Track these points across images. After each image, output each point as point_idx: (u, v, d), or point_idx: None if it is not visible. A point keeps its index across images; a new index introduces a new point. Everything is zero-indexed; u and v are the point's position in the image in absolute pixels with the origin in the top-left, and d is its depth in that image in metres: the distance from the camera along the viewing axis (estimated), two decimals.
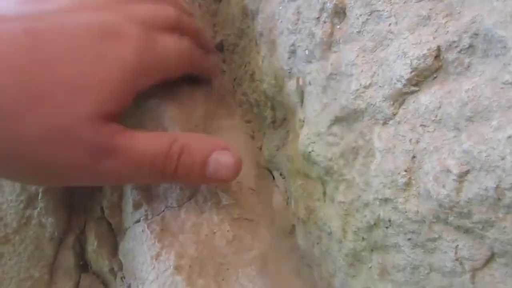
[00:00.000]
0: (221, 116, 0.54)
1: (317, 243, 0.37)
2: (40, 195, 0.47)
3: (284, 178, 0.46)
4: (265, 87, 0.44)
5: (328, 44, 0.33)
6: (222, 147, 0.36)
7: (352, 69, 0.30)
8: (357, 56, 0.30)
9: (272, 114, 0.45)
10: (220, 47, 0.60)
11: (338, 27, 0.32)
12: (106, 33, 0.33)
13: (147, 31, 0.37)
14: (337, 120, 0.32)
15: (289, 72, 0.38)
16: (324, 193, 0.36)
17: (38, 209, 0.47)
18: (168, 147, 0.34)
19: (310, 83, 0.34)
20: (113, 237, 0.48)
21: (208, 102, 0.53)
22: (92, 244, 0.47)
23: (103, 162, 0.32)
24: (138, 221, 0.43)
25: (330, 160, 0.33)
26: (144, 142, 0.34)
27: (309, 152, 0.35)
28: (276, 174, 0.47)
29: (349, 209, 0.32)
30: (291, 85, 0.38)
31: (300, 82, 0.36)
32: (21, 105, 0.28)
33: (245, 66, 0.53)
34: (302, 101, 0.37)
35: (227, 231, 0.43)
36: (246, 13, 0.50)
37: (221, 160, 0.36)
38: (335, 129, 0.32)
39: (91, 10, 0.34)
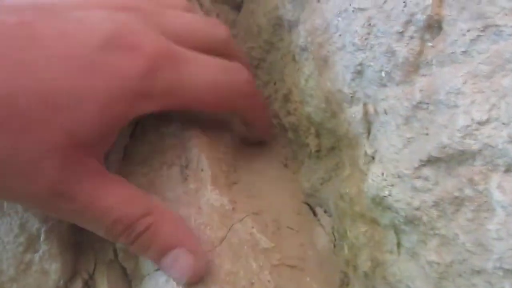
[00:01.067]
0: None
1: None
2: (42, 235, 0.39)
3: (330, 216, 0.39)
4: (310, 111, 0.37)
5: (415, 66, 0.26)
6: (191, 247, 0.31)
7: (457, 99, 0.23)
8: (465, 82, 0.23)
9: (317, 142, 0.38)
10: None
11: (430, 44, 0.25)
12: (114, 42, 0.28)
13: (176, 47, 0.31)
14: (431, 161, 0.25)
15: (351, 97, 0.31)
16: (399, 245, 0.29)
17: (40, 252, 0.39)
18: (136, 219, 0.29)
19: (386, 112, 0.27)
20: (128, 285, 0.40)
21: (234, 124, 0.46)
22: None
23: (59, 204, 0.28)
24: None
25: (417, 209, 0.26)
26: (112, 200, 0.29)
27: (384, 196, 0.28)
28: (319, 211, 0.40)
29: (446, 273, 0.25)
30: (354, 112, 0.31)
31: (370, 110, 0.29)
32: None
33: (275, 83, 0.46)
34: (368, 132, 0.30)
35: (268, 281, 0.35)
36: (279, 24, 0.43)
37: (180, 260, 0.30)
38: (427, 171, 0.25)
39: (111, 10, 0.29)
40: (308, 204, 0.41)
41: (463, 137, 0.23)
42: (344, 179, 0.34)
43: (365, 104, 0.30)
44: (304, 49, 0.38)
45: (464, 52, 0.24)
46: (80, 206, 0.28)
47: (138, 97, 0.29)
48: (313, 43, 0.36)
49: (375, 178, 0.28)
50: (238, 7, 0.53)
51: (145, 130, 0.43)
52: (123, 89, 0.28)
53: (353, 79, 0.30)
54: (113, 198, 0.29)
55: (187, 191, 0.39)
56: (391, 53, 0.27)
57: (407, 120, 0.26)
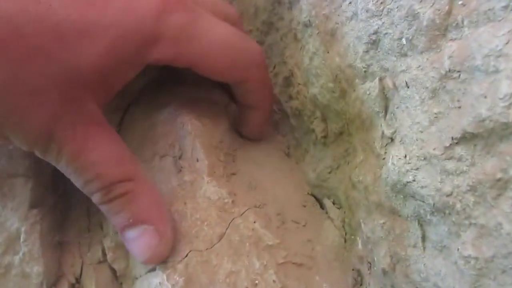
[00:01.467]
0: None
1: None
2: (22, 236, 0.35)
3: (339, 208, 0.35)
4: (315, 92, 0.33)
5: (443, 29, 0.22)
6: (161, 227, 0.29)
7: (498, 63, 0.20)
8: (507, 42, 0.19)
9: (323, 127, 0.35)
10: None
11: (460, 2, 0.22)
12: None
13: (193, 2, 0.31)
14: (465, 139, 0.21)
15: (365, 71, 0.27)
16: (424, 238, 0.25)
17: (20, 254, 0.35)
18: (116, 181, 0.28)
19: (407, 85, 0.24)
20: None
21: (231, 113, 0.42)
22: None
23: (48, 146, 0.27)
24: (154, 269, 0.32)
25: (449, 195, 0.22)
26: (99, 154, 0.28)
27: (408, 182, 0.24)
28: (327, 202, 0.36)
29: (486, 269, 0.21)
30: (368, 89, 0.27)
31: (388, 84, 0.25)
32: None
33: (274, 67, 0.42)
34: (386, 110, 0.26)
35: (273, 281, 0.32)
36: (279, 1, 0.39)
37: (145, 237, 0.29)
38: (460, 151, 0.21)
39: None
40: (314, 196, 0.38)
41: (508, 107, 0.19)
42: (356, 166, 0.30)
43: (381, 79, 0.26)
44: (307, 25, 0.34)
45: (505, 7, 0.20)
46: (67, 154, 0.27)
47: (149, 39, 0.28)
48: (318, 16, 0.32)
49: (396, 162, 0.25)
50: None
51: (134, 118, 0.39)
52: (135, 27, 0.27)
53: (366, 51, 0.27)
54: (101, 153, 0.28)
55: (182, 184, 0.35)
56: (413, 16, 0.23)
57: (434, 93, 0.23)
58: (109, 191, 0.28)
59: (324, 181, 0.35)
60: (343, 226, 0.34)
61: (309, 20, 0.33)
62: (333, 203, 0.35)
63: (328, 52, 0.31)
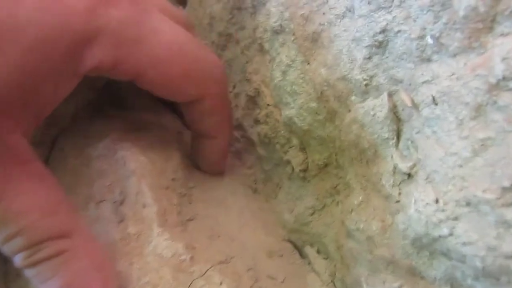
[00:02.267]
0: None
1: None
2: None
3: (326, 258, 0.27)
4: (291, 115, 0.26)
5: (489, 19, 0.15)
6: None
7: None
8: None
9: (302, 158, 0.27)
10: None
11: None
12: None
13: None
14: None
15: (367, 84, 0.20)
16: None
17: None
18: (48, 237, 0.21)
19: (435, 101, 0.17)
20: None
21: (182, 140, 0.34)
22: None
23: None
24: None
25: (507, 256, 0.15)
26: (24, 203, 0.21)
27: (440, 236, 0.17)
28: (310, 251, 0.28)
29: None
30: (372, 108, 0.19)
31: (404, 100, 0.18)
32: None
33: (234, 87, 0.35)
34: (398, 136, 0.19)
35: None
36: (239, 7, 0.32)
37: None
38: None
39: None
40: (292, 242, 0.30)
41: None
42: (352, 209, 0.23)
43: (391, 94, 0.19)
44: (278, 31, 0.27)
45: None
46: None
47: (81, 38, 0.21)
48: (294, 18, 0.25)
49: (423, 209, 0.17)
50: (182, 1, 0.42)
51: (63, 154, 0.31)
52: (62, 24, 0.21)
53: (369, 57, 0.19)
54: (26, 200, 0.21)
55: (126, 237, 0.27)
56: (442, 4, 0.16)
57: (479, 111, 0.16)
58: (37, 251, 0.21)
59: (305, 225, 0.28)
60: (332, 282, 0.26)
61: (280, 25, 0.26)
62: (318, 252, 0.28)
63: (308, 63, 0.24)
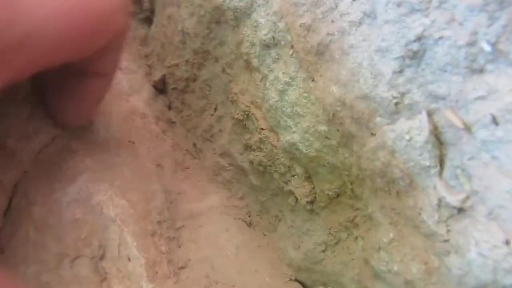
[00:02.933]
0: (190, 195, 0.31)
1: None
2: None
3: None
4: (294, 140, 0.22)
5: None
6: None
7: None
8: None
9: (309, 189, 0.24)
10: (160, 86, 0.38)
11: None
12: None
13: None
14: None
15: (397, 103, 0.16)
16: None
17: None
18: None
19: (495, 121, 0.13)
20: None
21: (163, 173, 0.30)
22: None
23: None
24: None
25: None
26: None
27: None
28: None
29: None
30: (408, 131, 0.16)
31: (451, 119, 0.15)
32: None
33: (216, 109, 0.31)
34: (441, 163, 0.16)
35: None
36: (218, 20, 0.28)
37: None
38: None
39: None
40: (301, 282, 0.26)
41: None
42: (379, 246, 0.20)
43: (430, 113, 0.15)
44: (270, 44, 0.23)
45: None
46: None
47: None
48: (293, 28, 0.21)
49: (489, 252, 0.14)
50: (147, 19, 0.38)
51: (27, 202, 0.26)
52: None
53: (400, 71, 0.16)
54: None
55: None
56: (499, 3, 0.13)
57: None
58: None
59: (316, 264, 0.24)
60: None
61: (272, 38, 0.23)
62: None
63: (313, 80, 0.21)
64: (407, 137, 0.16)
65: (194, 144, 0.34)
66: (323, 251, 0.24)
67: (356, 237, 0.22)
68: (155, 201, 0.26)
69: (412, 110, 0.16)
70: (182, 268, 0.26)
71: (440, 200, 0.16)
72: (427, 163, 0.16)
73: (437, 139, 0.16)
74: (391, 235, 0.19)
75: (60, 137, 0.28)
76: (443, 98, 0.15)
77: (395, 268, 0.19)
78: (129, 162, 0.28)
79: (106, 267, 0.23)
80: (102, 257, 0.23)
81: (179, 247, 0.27)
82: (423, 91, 0.16)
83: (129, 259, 0.23)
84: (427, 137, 0.16)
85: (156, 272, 0.23)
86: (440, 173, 0.16)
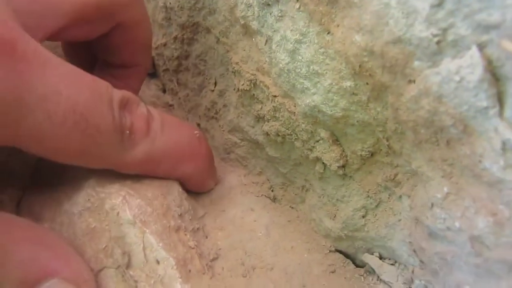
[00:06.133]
0: None
1: None
2: None
3: (394, 264, 0.22)
4: (315, 103, 0.20)
5: None
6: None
7: None
8: None
9: (339, 152, 0.22)
10: (150, 70, 0.35)
11: None
12: None
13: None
14: None
15: (439, 42, 0.14)
16: None
17: None
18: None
19: None
20: None
21: None
22: None
23: None
24: None
25: None
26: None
27: None
28: (371, 258, 0.23)
29: None
30: (457, 71, 0.14)
31: (510, 49, 0.13)
32: None
33: (215, 84, 0.29)
34: (500, 101, 0.14)
35: None
36: None
37: None
38: None
39: None
40: (343, 252, 0.25)
41: None
42: (433, 203, 0.18)
43: (482, 46, 0.13)
44: (270, 2, 0.21)
45: None
46: None
47: None
48: None
49: None
50: None
51: (35, 218, 0.24)
52: None
53: (438, 4, 0.14)
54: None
55: None
56: None
57: None
58: None
59: (357, 231, 0.23)
60: None
61: None
62: (380, 258, 0.23)
63: (329, 33, 0.18)
64: (457, 78, 0.14)
65: (198, 124, 0.32)
66: (364, 216, 0.22)
67: (400, 196, 0.20)
68: (172, 194, 0.24)
69: (458, 47, 0.14)
70: (214, 259, 0.24)
71: (504, 143, 0.14)
72: (484, 103, 0.14)
73: (493, 75, 0.14)
74: (445, 189, 0.17)
75: None
76: (495, 27, 0.13)
77: (457, 224, 0.17)
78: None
79: (135, 275, 0.21)
80: (128, 265, 0.21)
81: (206, 237, 0.25)
82: (470, 23, 0.14)
83: (157, 262, 0.21)
84: (481, 75, 0.14)
85: (189, 270, 0.22)
86: (501, 113, 0.14)
